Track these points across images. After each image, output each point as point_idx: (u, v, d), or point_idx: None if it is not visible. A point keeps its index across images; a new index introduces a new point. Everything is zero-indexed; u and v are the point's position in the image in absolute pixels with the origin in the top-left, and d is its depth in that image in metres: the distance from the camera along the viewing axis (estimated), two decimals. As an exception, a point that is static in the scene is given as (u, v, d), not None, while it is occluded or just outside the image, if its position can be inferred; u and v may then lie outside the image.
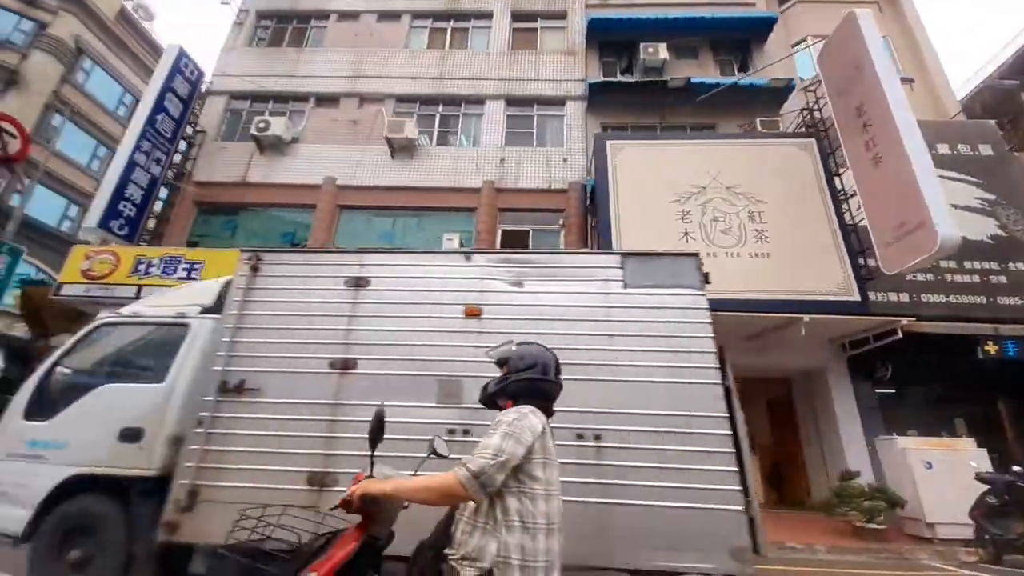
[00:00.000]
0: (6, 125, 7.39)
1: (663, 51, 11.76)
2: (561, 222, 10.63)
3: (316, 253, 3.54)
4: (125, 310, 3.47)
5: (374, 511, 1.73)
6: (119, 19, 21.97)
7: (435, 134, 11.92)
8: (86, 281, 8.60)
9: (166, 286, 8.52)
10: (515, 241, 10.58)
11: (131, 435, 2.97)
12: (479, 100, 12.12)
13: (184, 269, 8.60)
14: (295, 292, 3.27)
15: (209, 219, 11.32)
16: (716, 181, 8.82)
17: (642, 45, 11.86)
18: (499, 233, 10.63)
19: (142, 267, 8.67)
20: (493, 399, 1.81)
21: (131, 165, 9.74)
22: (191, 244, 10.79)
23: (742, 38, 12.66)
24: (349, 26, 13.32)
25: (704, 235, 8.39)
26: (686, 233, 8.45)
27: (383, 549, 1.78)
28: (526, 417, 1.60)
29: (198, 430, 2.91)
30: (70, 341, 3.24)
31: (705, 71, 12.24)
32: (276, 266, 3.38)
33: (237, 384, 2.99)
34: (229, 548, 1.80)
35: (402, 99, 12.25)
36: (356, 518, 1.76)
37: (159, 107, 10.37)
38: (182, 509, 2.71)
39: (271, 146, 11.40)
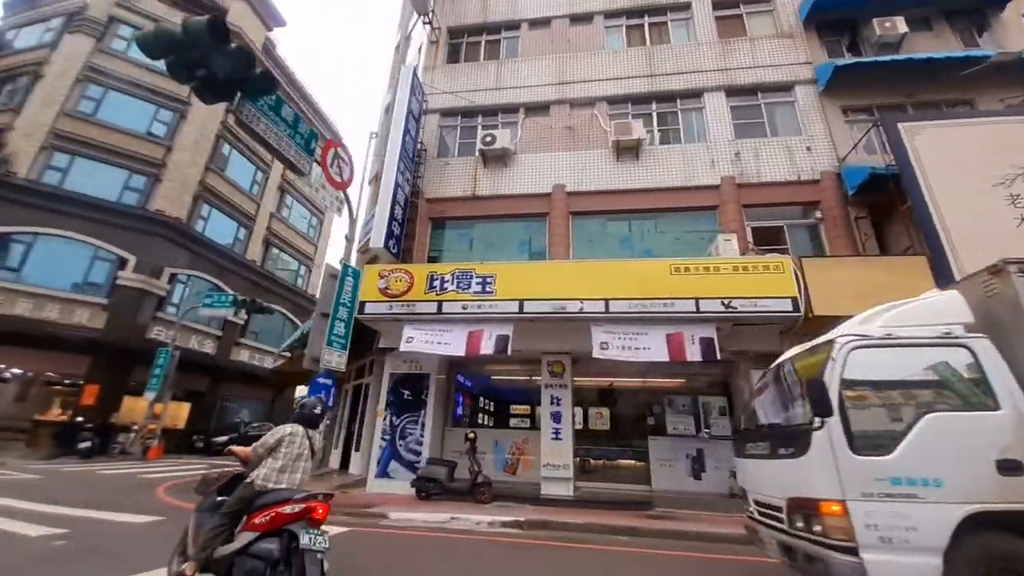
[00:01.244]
0: (342, 152, 7.76)
1: (901, 25, 10.98)
2: (819, 215, 10.10)
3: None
4: (857, 330, 3.35)
5: (244, 462, 3.55)
6: (263, 50, 23.36)
7: (655, 133, 11.70)
8: (386, 299, 8.99)
9: (466, 300, 8.79)
10: (768, 239, 10.16)
11: (1012, 467, 2.82)
12: (695, 94, 11.78)
13: (477, 283, 8.80)
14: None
15: (442, 233, 11.65)
16: (1044, 160, 8.03)
17: (875, 20, 11.12)
18: (748, 231, 10.25)
19: (436, 283, 8.95)
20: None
21: (396, 187, 10.17)
22: (431, 259, 11.15)
23: (975, 7, 11.66)
24: (542, 33, 13.36)
25: (1048, 220, 7.66)
26: (1023, 219, 7.75)
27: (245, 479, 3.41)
28: (281, 429, 3.51)
29: None
30: (838, 368, 3.14)
31: (945, 44, 11.31)
32: None
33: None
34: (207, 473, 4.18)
35: (612, 101, 12.12)
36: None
37: (406, 129, 10.77)
38: None
39: (495, 158, 11.59)
